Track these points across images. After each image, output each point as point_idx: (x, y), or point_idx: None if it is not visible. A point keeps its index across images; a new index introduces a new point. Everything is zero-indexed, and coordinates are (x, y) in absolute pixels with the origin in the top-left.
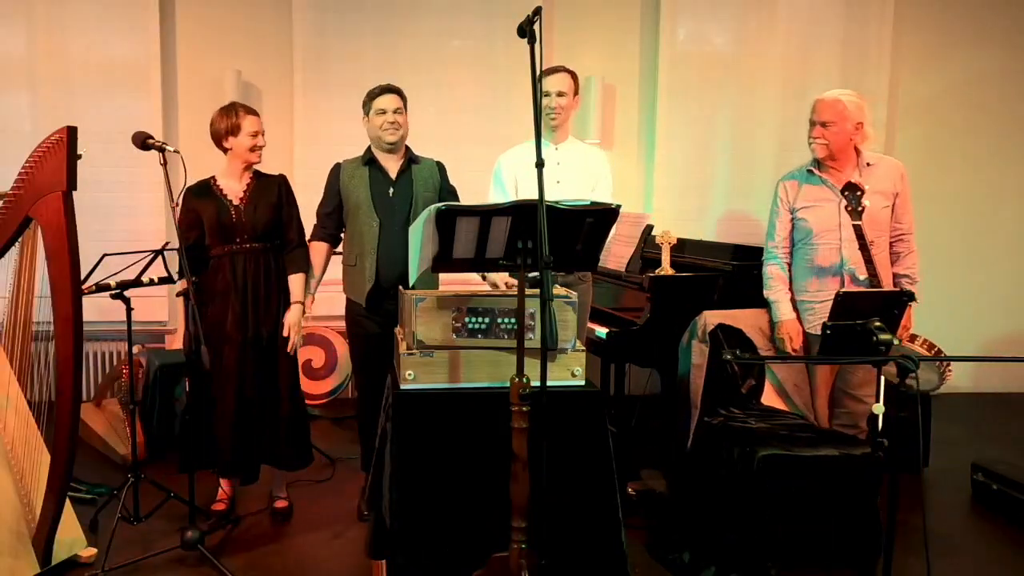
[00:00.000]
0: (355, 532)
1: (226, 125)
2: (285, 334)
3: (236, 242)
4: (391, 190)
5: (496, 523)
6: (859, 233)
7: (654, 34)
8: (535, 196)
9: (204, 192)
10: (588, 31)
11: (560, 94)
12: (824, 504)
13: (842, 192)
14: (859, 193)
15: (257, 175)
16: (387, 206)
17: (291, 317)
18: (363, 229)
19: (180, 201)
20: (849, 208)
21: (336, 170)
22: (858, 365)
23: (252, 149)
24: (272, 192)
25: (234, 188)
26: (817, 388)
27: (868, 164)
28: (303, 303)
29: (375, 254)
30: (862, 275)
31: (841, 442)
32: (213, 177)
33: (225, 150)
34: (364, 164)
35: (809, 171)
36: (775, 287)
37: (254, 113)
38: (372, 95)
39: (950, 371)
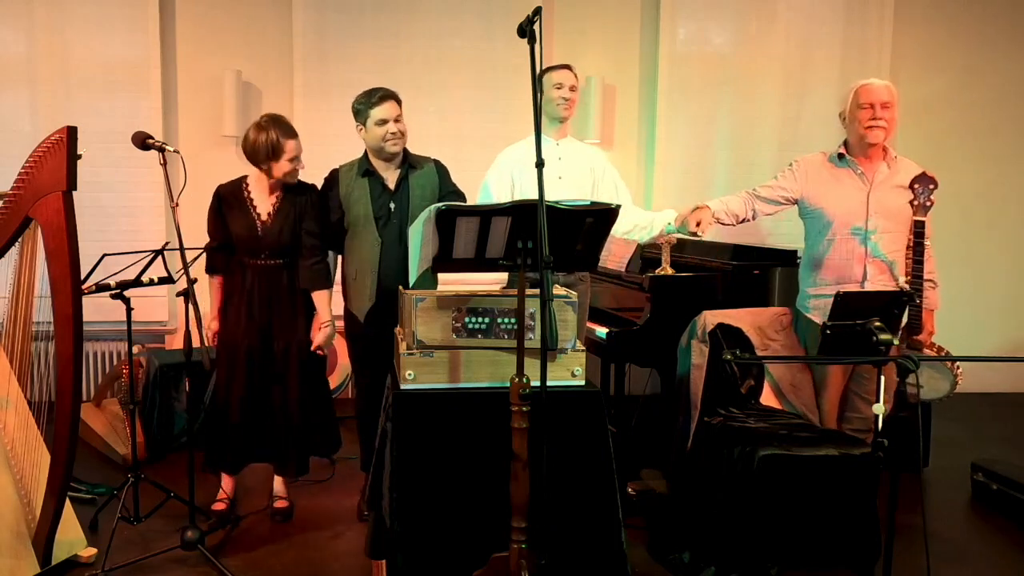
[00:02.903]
0: (355, 532)
1: (266, 147)
2: (316, 351)
3: (260, 257)
4: (391, 203)
5: (496, 523)
6: (919, 231)
7: (654, 34)
8: (535, 195)
9: (235, 199)
10: (588, 31)
11: (572, 88)
12: (824, 504)
13: (911, 185)
14: (931, 187)
15: (289, 187)
16: (388, 221)
17: (322, 339)
18: (364, 247)
19: (186, 200)
20: (916, 202)
21: (334, 180)
22: (874, 370)
23: (288, 173)
24: (300, 206)
25: (264, 202)
26: (826, 389)
27: (895, 157)
28: (332, 322)
29: (376, 273)
30: (902, 275)
31: (841, 442)
32: (246, 182)
33: (260, 168)
34: (362, 175)
35: (840, 156)
36: (728, 198)
37: (293, 135)
38: (369, 103)
39: (960, 376)
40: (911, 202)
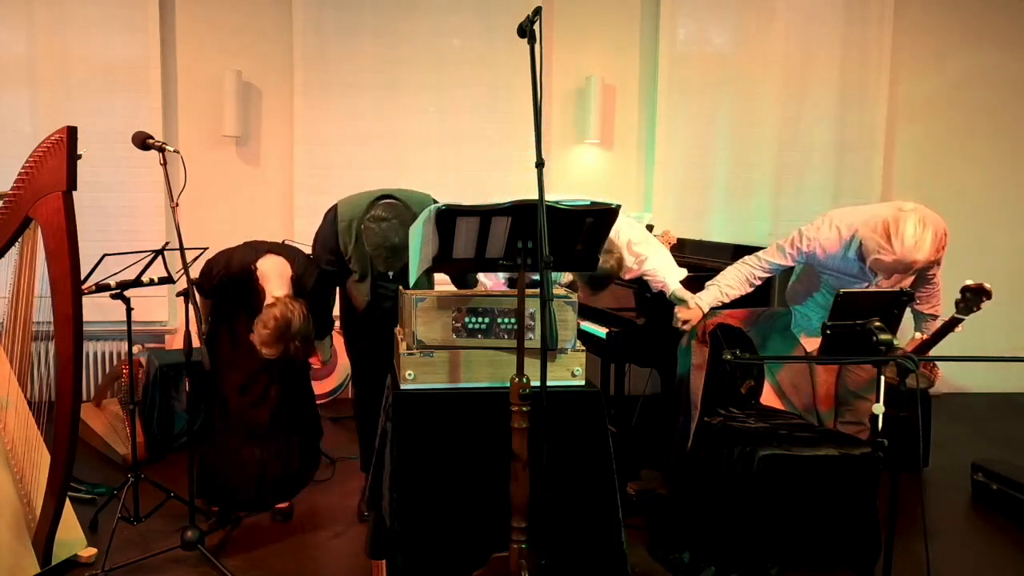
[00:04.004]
0: (355, 532)
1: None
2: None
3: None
4: (390, 273)
5: (496, 523)
6: (952, 325)
7: (654, 34)
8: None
9: (246, 279)
10: (588, 31)
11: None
12: (824, 504)
13: (963, 291)
14: (984, 299)
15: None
16: (383, 283)
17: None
18: (355, 295)
19: (186, 200)
20: (961, 304)
21: (332, 233)
22: (861, 365)
23: None
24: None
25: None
26: (817, 388)
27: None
28: (328, 361)
29: (361, 315)
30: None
31: (841, 442)
32: (256, 273)
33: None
34: (358, 241)
35: (858, 257)
36: (722, 278)
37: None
38: (370, 248)
39: (938, 378)
40: (956, 303)
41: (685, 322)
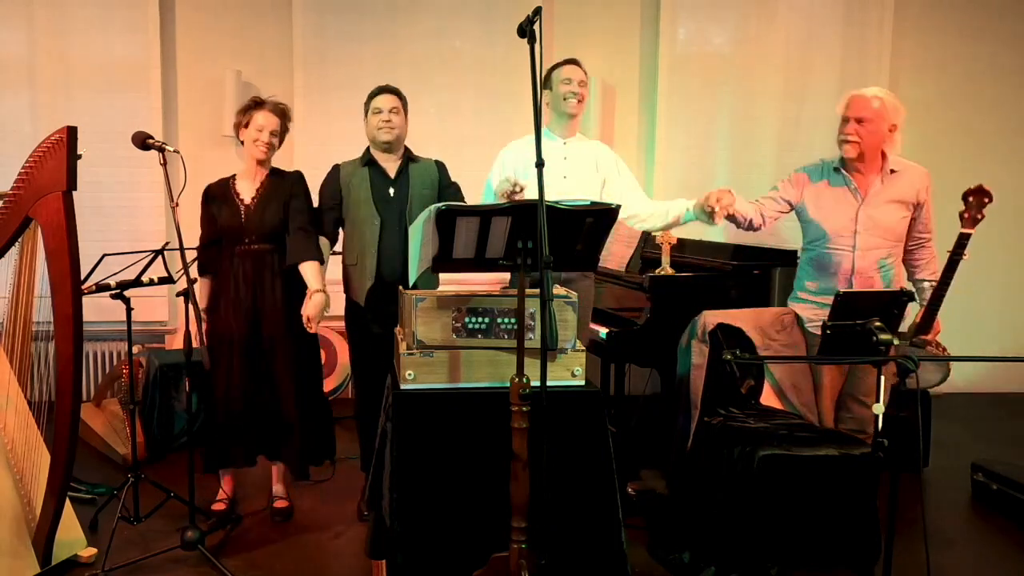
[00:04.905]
0: (355, 532)
1: (240, 117)
2: (307, 324)
3: (244, 243)
4: (391, 190)
5: (496, 523)
6: (962, 243)
7: (654, 34)
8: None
9: (221, 192)
10: (588, 31)
11: (581, 83)
12: (824, 504)
13: (964, 197)
14: (987, 200)
15: (273, 173)
16: (387, 205)
17: (313, 309)
18: (364, 228)
19: (186, 200)
20: (967, 215)
21: (335, 171)
22: (868, 371)
23: (255, 141)
24: (285, 191)
25: (248, 189)
26: (823, 389)
27: (892, 171)
28: (324, 291)
29: (376, 253)
30: (895, 287)
31: (841, 442)
32: (233, 176)
33: (239, 139)
34: (363, 164)
35: (835, 169)
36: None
37: (275, 111)
38: (371, 95)
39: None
40: (961, 214)
41: (719, 200)
